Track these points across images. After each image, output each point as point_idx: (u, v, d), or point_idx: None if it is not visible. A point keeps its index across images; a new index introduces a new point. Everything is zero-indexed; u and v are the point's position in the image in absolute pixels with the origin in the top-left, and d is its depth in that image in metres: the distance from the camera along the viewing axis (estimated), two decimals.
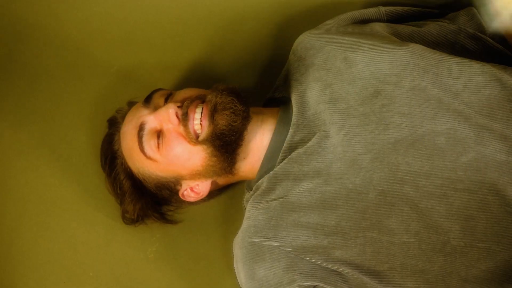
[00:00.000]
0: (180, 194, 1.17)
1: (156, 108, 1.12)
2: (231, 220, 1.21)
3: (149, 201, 1.20)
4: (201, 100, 1.10)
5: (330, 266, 0.99)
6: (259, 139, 1.12)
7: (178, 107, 1.09)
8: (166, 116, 1.09)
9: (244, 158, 1.12)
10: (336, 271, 0.99)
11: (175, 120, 1.08)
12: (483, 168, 0.95)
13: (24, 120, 1.30)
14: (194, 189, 1.16)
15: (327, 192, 1.00)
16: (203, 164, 1.10)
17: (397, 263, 0.97)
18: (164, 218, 1.24)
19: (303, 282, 0.99)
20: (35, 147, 1.29)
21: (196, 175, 1.13)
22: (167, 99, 1.13)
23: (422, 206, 0.96)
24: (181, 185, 1.16)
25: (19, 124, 1.30)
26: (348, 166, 1.00)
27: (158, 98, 1.14)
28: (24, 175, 1.27)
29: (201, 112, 1.08)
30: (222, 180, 1.17)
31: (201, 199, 1.19)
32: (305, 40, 1.17)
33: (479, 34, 1.15)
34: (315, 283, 0.99)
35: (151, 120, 1.11)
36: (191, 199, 1.18)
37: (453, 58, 1.04)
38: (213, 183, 1.16)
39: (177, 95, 1.14)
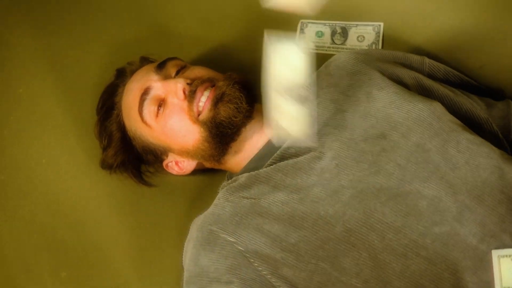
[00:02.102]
0: (164, 164, 1.18)
1: (166, 78, 1.13)
2: (204, 199, 1.21)
3: (132, 158, 1.22)
4: (211, 83, 1.11)
5: (273, 280, 0.98)
6: (255, 140, 1.13)
7: (188, 84, 1.10)
8: (173, 89, 1.10)
9: (235, 152, 1.13)
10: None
11: (181, 95, 1.09)
12: (452, 245, 0.94)
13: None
14: (179, 164, 1.18)
15: (298, 210, 1.00)
16: (194, 145, 1.11)
17: None
18: (140, 177, 1.25)
19: None
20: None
21: (185, 153, 1.14)
22: (179, 71, 1.15)
23: (380, 258, 0.95)
24: (167, 156, 1.17)
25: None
26: (327, 194, 1.00)
27: (171, 68, 1.16)
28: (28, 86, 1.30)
29: (207, 96, 1.09)
30: (207, 164, 1.18)
31: (183, 175, 1.20)
32: (341, 59, 1.17)
33: (501, 134, 1.13)
34: None
35: (158, 87, 1.12)
36: (173, 172, 1.19)
37: (466, 133, 1.03)
38: (198, 164, 1.18)
39: (189, 71, 1.15)
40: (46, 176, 1.28)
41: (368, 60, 1.16)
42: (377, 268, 0.95)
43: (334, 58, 1.20)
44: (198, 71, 1.15)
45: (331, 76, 1.15)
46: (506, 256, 0.92)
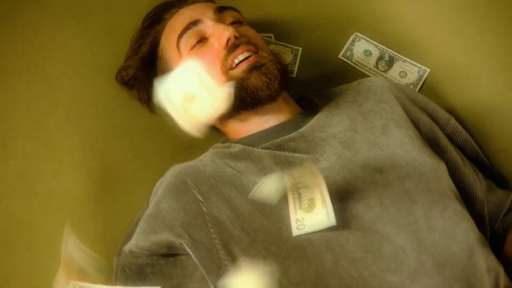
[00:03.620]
0: None
1: (219, 21, 1.13)
2: (191, 152, 1.21)
3: (149, 77, 1.22)
4: (256, 49, 1.11)
5: (221, 252, 0.99)
6: (265, 120, 1.13)
7: (235, 36, 1.10)
8: (220, 34, 1.10)
9: (241, 120, 1.13)
10: (220, 262, 0.99)
11: (223, 42, 1.09)
12: None
13: None
14: None
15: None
16: None
17: None
18: (149, 101, 1.25)
19: (185, 246, 1.00)
20: None
21: None
22: (234, 23, 1.15)
23: (325, 279, 0.95)
24: None
25: None
26: None
27: (228, 16, 1.16)
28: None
29: (247, 58, 1.09)
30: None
31: None
32: (375, 83, 1.17)
33: (489, 220, 1.13)
34: (192, 256, 0.99)
35: (208, 24, 1.13)
36: None
37: (456, 203, 1.02)
38: None
39: (243, 28, 1.15)
40: None
41: (399, 94, 1.16)
42: (319, 287, 0.95)
43: (369, 79, 1.20)
44: (250, 32, 1.15)
45: (359, 95, 1.15)
46: None
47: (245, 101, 1.09)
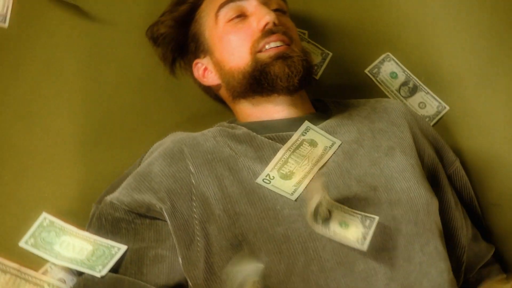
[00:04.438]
0: (195, 61, 1.20)
1: (263, 4, 1.14)
2: (197, 123, 1.21)
3: (178, 38, 1.22)
4: (289, 42, 1.12)
5: (197, 228, 0.99)
6: (277, 110, 1.13)
7: (274, 24, 1.11)
8: (260, 16, 1.11)
9: (252, 104, 1.14)
10: (193, 236, 0.99)
11: (261, 25, 1.11)
12: None
13: None
14: (206, 72, 1.19)
15: (262, 190, 1.00)
16: (232, 68, 1.13)
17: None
18: (172, 62, 1.26)
19: (164, 212, 1.00)
20: None
21: (219, 68, 1.16)
22: (277, 11, 1.15)
23: (292, 279, 0.95)
24: (204, 57, 1.19)
25: None
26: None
27: (273, 2, 1.16)
28: None
29: (278, 46, 1.10)
30: (224, 94, 1.20)
31: (198, 83, 1.22)
32: (392, 105, 1.18)
33: (465, 267, 1.13)
34: (168, 223, 1.00)
35: (251, 4, 1.14)
36: (195, 74, 1.21)
37: (439, 242, 1.02)
38: (219, 86, 1.19)
39: (283, 17, 1.16)
40: None
41: (413, 122, 1.16)
42: (284, 285, 0.96)
43: (388, 100, 1.21)
44: (289, 24, 1.16)
45: (374, 112, 1.16)
46: None
47: (262, 86, 1.10)
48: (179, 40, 1.22)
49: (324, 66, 1.35)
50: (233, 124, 1.13)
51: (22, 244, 0.99)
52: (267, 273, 0.95)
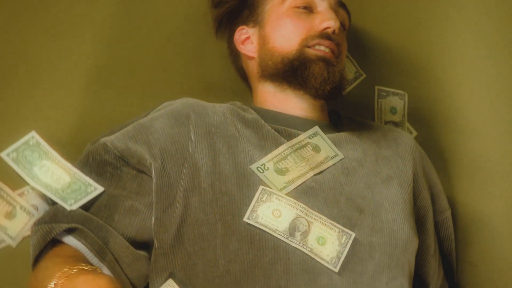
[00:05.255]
0: (242, 26, 1.20)
1: (333, 10, 1.15)
2: (210, 95, 1.20)
3: (238, 6, 1.22)
4: (338, 53, 1.13)
5: (179, 195, 0.99)
6: (296, 106, 1.13)
7: (333, 32, 1.12)
8: (327, 19, 1.12)
9: (275, 92, 1.15)
10: (173, 201, 0.99)
11: (322, 27, 1.12)
12: None
13: None
14: (246, 41, 1.19)
15: (252, 177, 1.00)
16: (275, 48, 1.13)
17: (200, 269, 0.97)
18: (221, 25, 1.26)
19: (153, 169, 0.99)
20: None
21: (262, 42, 1.16)
22: (342, 25, 1.16)
23: (253, 271, 0.95)
24: (252, 27, 1.19)
25: None
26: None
27: (342, 12, 1.18)
28: None
29: (327, 51, 1.12)
30: (253, 71, 1.19)
31: (232, 47, 1.22)
32: (403, 139, 1.18)
33: None
34: (153, 181, 0.99)
35: (321, 5, 1.15)
36: (236, 39, 1.20)
37: (406, 280, 1.03)
38: (252, 58, 1.18)
39: (341, 32, 1.17)
40: None
41: (418, 161, 1.16)
42: (246, 275, 0.95)
43: (400, 132, 1.20)
44: (343, 41, 1.18)
45: (384, 139, 1.16)
46: None
47: (296, 76, 1.11)
48: (236, 5, 1.22)
49: (354, 85, 1.35)
50: (245, 107, 1.13)
51: (3, 155, 0.99)
52: (233, 259, 0.95)
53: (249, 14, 1.19)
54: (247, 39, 1.19)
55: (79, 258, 0.93)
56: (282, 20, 1.14)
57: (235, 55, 1.24)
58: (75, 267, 0.85)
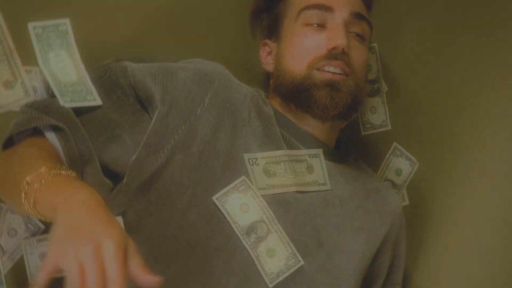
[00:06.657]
0: (265, 40, 1.18)
1: (344, 26, 1.09)
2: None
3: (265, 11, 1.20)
4: (349, 71, 1.08)
5: (167, 146, 0.99)
6: (304, 124, 1.11)
7: (341, 52, 1.07)
8: (334, 38, 1.07)
9: (288, 107, 1.12)
10: (160, 150, 0.98)
11: (329, 47, 1.07)
12: None
13: None
14: (268, 57, 1.17)
15: (238, 165, 1.00)
16: (285, 69, 1.11)
17: (151, 221, 0.97)
18: (253, 28, 1.23)
19: (156, 112, 0.99)
20: None
21: (277, 60, 1.14)
22: (357, 35, 1.12)
23: (195, 248, 0.96)
24: (273, 42, 1.16)
25: None
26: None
27: (357, 26, 1.12)
28: None
29: (335, 73, 1.07)
30: (271, 81, 1.17)
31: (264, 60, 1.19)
32: (391, 201, 1.17)
33: None
34: (151, 123, 0.99)
35: (334, 20, 1.09)
36: (261, 52, 1.19)
37: None
38: (271, 73, 1.16)
39: (358, 45, 1.12)
40: None
41: (395, 227, 1.16)
42: (189, 248, 0.96)
43: (393, 194, 1.21)
44: (360, 54, 1.12)
45: (375, 192, 1.15)
46: None
47: (300, 101, 1.08)
48: (264, 7, 1.20)
49: (374, 132, 1.32)
50: (267, 100, 1.12)
51: (30, 25, 0.98)
52: (185, 228, 0.96)
53: (272, 27, 1.17)
54: (268, 54, 1.17)
55: (55, 156, 0.92)
56: (294, 39, 1.10)
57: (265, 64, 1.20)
58: (52, 172, 0.82)
